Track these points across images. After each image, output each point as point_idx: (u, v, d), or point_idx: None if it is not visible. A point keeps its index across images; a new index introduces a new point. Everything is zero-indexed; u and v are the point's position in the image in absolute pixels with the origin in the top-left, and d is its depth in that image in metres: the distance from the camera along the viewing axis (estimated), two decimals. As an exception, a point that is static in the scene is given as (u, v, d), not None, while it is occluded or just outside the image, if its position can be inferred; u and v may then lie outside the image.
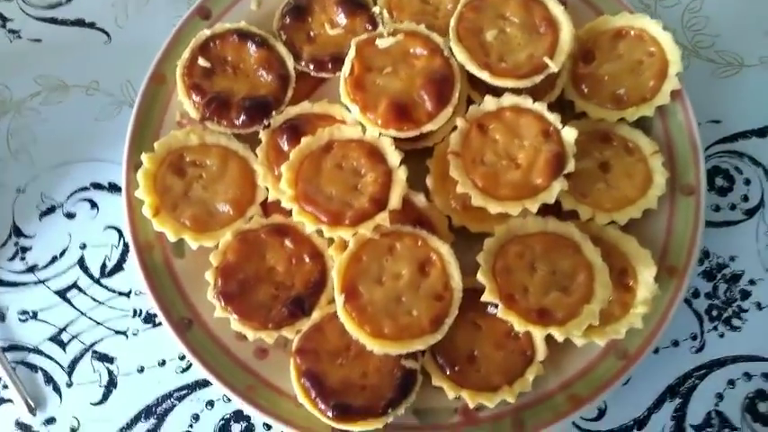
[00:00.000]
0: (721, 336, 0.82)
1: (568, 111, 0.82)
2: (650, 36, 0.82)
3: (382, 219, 0.71)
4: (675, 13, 0.97)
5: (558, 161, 0.73)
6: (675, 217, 0.79)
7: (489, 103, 0.77)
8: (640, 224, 0.78)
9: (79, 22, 0.95)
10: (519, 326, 0.68)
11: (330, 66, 0.82)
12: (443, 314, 0.69)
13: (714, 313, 0.83)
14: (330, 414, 0.68)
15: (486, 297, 0.69)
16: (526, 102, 0.76)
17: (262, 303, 0.74)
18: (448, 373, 0.72)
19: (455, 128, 0.76)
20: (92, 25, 0.95)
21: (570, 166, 0.73)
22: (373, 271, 0.71)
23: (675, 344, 0.82)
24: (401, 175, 0.74)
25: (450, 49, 0.78)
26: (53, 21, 0.96)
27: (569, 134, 0.74)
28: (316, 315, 0.73)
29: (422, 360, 0.72)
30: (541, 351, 0.72)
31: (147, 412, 0.79)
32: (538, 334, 0.70)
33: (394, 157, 0.75)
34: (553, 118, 0.75)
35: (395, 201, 0.73)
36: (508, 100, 0.76)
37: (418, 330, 0.68)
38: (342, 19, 0.85)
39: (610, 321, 0.72)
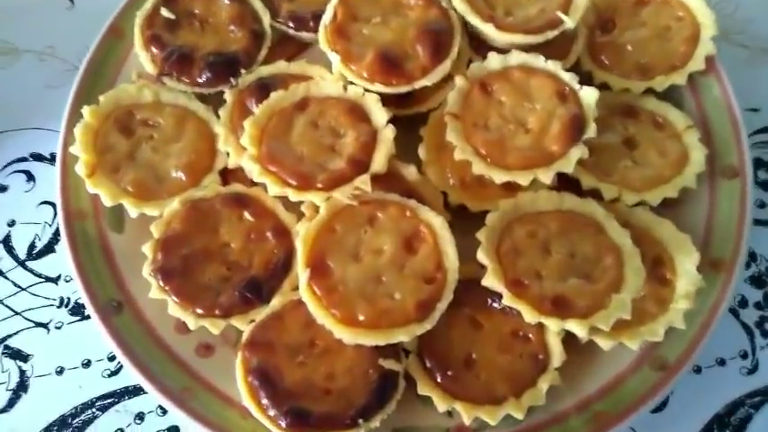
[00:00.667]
0: (778, 355, 0.67)
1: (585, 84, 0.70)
2: (677, 0, 0.72)
3: (362, 182, 0.58)
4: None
5: (576, 124, 0.60)
6: (717, 202, 0.66)
7: (494, 60, 0.65)
8: (676, 211, 0.65)
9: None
10: (529, 317, 0.54)
11: (312, 24, 0.72)
12: (434, 298, 0.54)
13: (767, 327, 0.68)
14: (283, 423, 0.52)
15: (487, 281, 0.55)
16: (537, 60, 0.64)
17: (209, 285, 0.59)
18: (438, 379, 0.56)
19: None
20: (56, -11, 0.86)
21: (591, 131, 0.60)
22: (348, 244, 0.57)
23: (722, 363, 0.66)
24: (387, 134, 0.61)
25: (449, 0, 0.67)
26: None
27: (589, 95, 0.62)
28: (275, 301, 0.59)
29: (406, 362, 0.57)
30: (557, 354, 0.57)
31: (61, 424, 0.63)
32: (553, 329, 0.55)
33: (380, 115, 0.63)
34: (569, 77, 0.63)
35: (379, 162, 0.60)
36: (516, 58, 0.65)
37: (401, 317, 0.53)
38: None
39: (644, 320, 0.58)
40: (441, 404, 0.55)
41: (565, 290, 0.55)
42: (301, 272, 0.55)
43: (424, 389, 0.56)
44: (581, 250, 0.58)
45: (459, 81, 0.64)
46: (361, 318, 0.54)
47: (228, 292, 0.58)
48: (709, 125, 0.69)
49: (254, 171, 0.60)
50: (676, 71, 0.69)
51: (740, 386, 0.65)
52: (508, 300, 0.54)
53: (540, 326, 0.56)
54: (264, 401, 0.54)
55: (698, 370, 0.65)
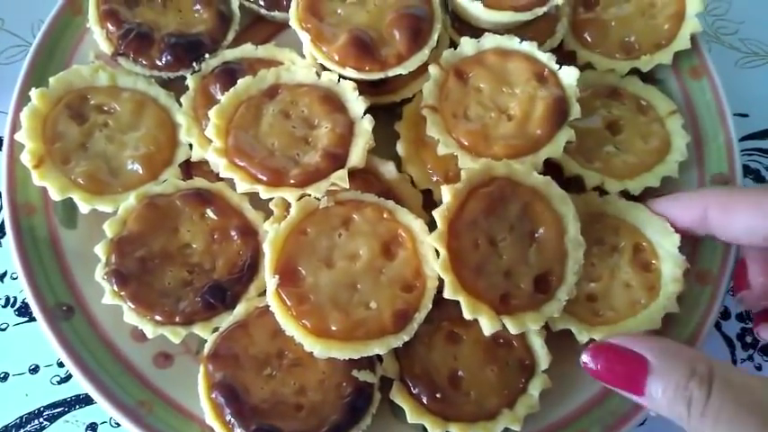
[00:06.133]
0: (758, 368, 0.65)
1: (569, 64, 0.66)
2: None
3: (339, 178, 0.54)
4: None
5: (559, 106, 0.57)
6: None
7: (467, 45, 0.61)
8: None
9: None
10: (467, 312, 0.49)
11: (285, 2, 0.66)
12: (412, 308, 0.50)
13: (748, 339, 0.66)
14: None
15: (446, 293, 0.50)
16: (511, 42, 0.60)
17: (169, 290, 0.55)
18: (427, 404, 0.52)
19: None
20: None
21: (576, 111, 0.57)
22: (321, 248, 0.53)
23: (704, 374, 0.64)
24: (366, 125, 0.57)
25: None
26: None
27: (569, 74, 0.59)
28: (240, 309, 0.54)
29: (381, 370, 0.53)
30: (543, 357, 0.54)
31: (3, 436, 0.58)
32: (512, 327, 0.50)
33: (357, 104, 0.58)
34: (546, 58, 0.60)
35: (356, 156, 0.55)
36: (490, 41, 0.61)
37: (377, 328, 0.49)
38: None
39: (637, 310, 0.55)
40: (435, 429, 0.51)
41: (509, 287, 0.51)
42: (269, 278, 0.50)
43: (414, 417, 0.52)
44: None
45: (432, 70, 0.60)
46: (334, 329, 0.50)
47: (190, 298, 0.54)
48: (694, 109, 0.67)
49: (220, 165, 0.55)
50: (661, 50, 0.66)
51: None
52: (450, 291, 0.49)
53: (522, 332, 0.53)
54: (229, 419, 0.50)
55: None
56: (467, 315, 0.48)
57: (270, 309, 0.50)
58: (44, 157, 0.58)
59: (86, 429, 0.59)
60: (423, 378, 0.53)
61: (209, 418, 0.50)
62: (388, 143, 0.61)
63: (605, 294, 0.56)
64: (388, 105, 0.64)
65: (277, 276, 0.50)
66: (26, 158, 0.57)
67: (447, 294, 0.48)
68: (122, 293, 0.53)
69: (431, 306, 0.51)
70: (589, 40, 0.68)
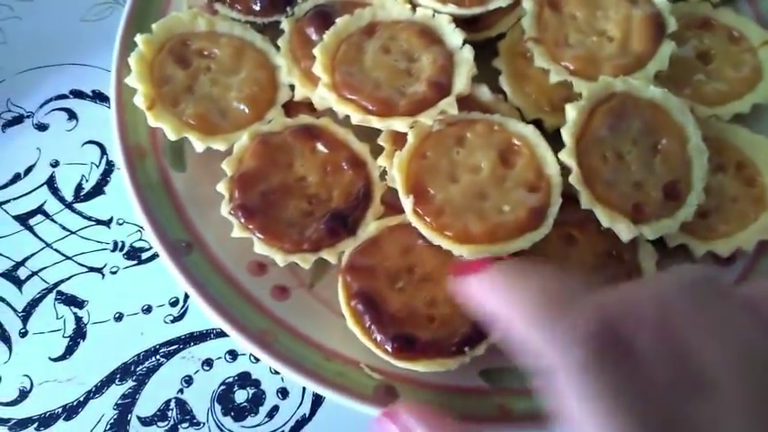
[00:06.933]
0: None
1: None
2: None
3: (448, 104, 0.55)
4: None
5: (656, 21, 0.59)
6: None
7: None
8: (751, 127, 0.62)
9: None
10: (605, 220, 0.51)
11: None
12: (544, 204, 0.52)
13: None
14: (389, 347, 0.50)
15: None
16: None
17: (292, 220, 0.56)
18: None
19: (519, 19, 0.62)
20: None
21: (672, 24, 0.59)
22: (443, 167, 0.54)
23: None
24: (466, 54, 0.58)
25: None
26: None
27: None
28: (372, 227, 0.55)
29: None
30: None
31: (123, 372, 0.60)
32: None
33: (455, 36, 0.59)
34: None
35: (462, 83, 0.56)
36: None
37: (515, 228, 0.51)
38: None
39: (747, 224, 0.56)
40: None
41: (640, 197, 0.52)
42: (404, 199, 0.52)
43: None
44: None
45: (527, 4, 0.61)
46: (476, 233, 0.51)
47: (313, 226, 0.55)
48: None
49: (331, 100, 0.56)
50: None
51: None
52: (586, 202, 0.51)
53: (635, 247, 0.54)
54: (369, 325, 0.51)
55: None
56: (604, 223, 0.49)
57: (398, 227, 0.51)
58: (155, 99, 0.59)
59: (202, 365, 0.61)
60: None
61: (351, 324, 0.52)
62: (482, 80, 0.62)
63: (716, 210, 0.57)
64: (482, 42, 0.65)
65: (411, 196, 0.52)
66: (140, 101, 0.59)
67: (584, 205, 0.50)
68: (250, 226, 0.55)
69: (561, 200, 0.52)
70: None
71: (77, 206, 0.66)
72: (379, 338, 0.50)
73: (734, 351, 0.31)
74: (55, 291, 0.63)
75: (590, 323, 0.31)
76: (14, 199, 0.66)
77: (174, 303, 0.63)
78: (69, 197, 0.67)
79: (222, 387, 0.60)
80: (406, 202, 0.52)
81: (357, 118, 0.55)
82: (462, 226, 0.50)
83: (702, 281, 0.33)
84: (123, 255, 0.65)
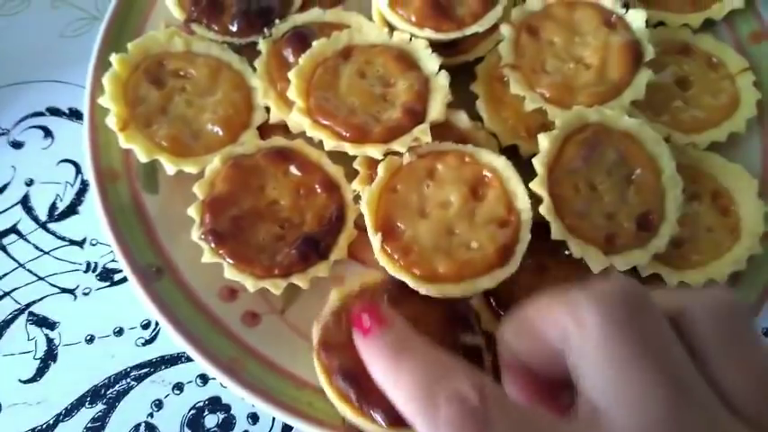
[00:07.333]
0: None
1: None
2: None
3: (422, 132, 0.54)
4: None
5: (634, 48, 0.58)
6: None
7: (533, 1, 0.62)
8: (727, 155, 0.62)
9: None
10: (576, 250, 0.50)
11: (356, -34, 0.67)
12: (512, 241, 0.51)
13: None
14: (384, 421, 0.48)
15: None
16: None
17: (263, 245, 0.55)
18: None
19: (498, 43, 0.61)
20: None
21: (650, 52, 0.58)
22: (412, 202, 0.53)
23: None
24: (442, 80, 0.57)
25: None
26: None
27: (637, 17, 0.60)
28: (334, 298, 0.53)
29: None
30: None
31: (93, 395, 0.59)
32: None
33: (431, 61, 0.59)
34: (611, 3, 0.60)
35: (436, 110, 0.56)
36: None
37: (483, 265, 0.50)
38: None
39: (722, 253, 0.56)
40: None
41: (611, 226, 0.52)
42: (373, 237, 0.51)
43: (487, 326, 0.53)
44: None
45: (505, 29, 0.60)
46: (443, 271, 0.50)
47: (285, 251, 0.55)
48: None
49: (305, 125, 0.56)
50: (732, -7, 0.67)
51: None
52: (557, 233, 0.51)
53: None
54: (359, 402, 0.49)
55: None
56: (576, 254, 0.49)
57: (363, 292, 0.51)
58: (128, 120, 0.59)
59: (173, 389, 0.60)
60: (503, 299, 0.53)
61: (336, 402, 0.49)
62: (460, 104, 0.62)
63: (690, 239, 0.57)
64: (459, 66, 0.64)
65: (380, 234, 0.51)
66: (112, 121, 0.58)
67: (554, 236, 0.49)
68: (221, 251, 0.54)
69: (530, 237, 0.51)
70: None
71: (51, 226, 0.66)
72: (372, 414, 0.48)
73: None
74: (27, 312, 0.62)
75: (450, 414, 0.33)
76: (-13, 218, 0.65)
77: (145, 326, 0.62)
78: (43, 217, 0.66)
79: (192, 411, 0.59)
80: (374, 240, 0.51)
81: (331, 144, 0.55)
82: (429, 265, 0.50)
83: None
84: (96, 276, 0.64)
